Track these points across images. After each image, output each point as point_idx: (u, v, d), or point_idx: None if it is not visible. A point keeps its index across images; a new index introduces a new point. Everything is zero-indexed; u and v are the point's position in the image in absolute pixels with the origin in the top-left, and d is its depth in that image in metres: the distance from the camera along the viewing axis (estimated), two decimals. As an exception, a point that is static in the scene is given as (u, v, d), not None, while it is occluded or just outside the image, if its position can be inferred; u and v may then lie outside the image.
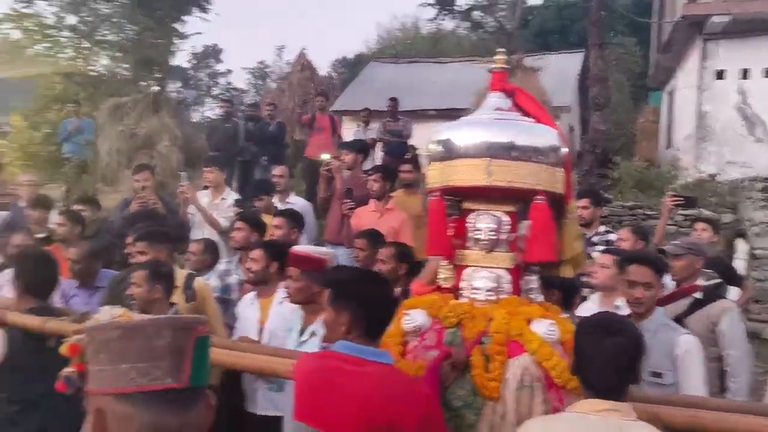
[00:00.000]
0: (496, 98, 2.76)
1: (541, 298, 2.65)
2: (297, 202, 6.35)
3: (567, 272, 2.88)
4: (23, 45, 14.66)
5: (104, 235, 5.72)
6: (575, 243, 2.82)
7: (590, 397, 2.00)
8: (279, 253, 3.74)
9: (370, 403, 2.02)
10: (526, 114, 2.72)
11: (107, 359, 1.14)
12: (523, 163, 2.50)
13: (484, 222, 2.58)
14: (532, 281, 2.63)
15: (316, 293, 3.13)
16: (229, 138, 9.24)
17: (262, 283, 3.85)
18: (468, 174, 2.55)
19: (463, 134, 2.62)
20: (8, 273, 3.90)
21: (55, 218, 6.17)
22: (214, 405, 1.24)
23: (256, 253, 3.86)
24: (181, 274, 3.96)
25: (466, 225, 2.63)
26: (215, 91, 25.64)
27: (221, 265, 4.90)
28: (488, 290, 2.52)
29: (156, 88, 11.27)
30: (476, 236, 2.57)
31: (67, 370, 1.92)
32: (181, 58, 13.73)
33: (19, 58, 14.43)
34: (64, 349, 1.97)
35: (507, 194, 2.58)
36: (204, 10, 11.25)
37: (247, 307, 3.90)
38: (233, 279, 4.73)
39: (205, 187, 6.36)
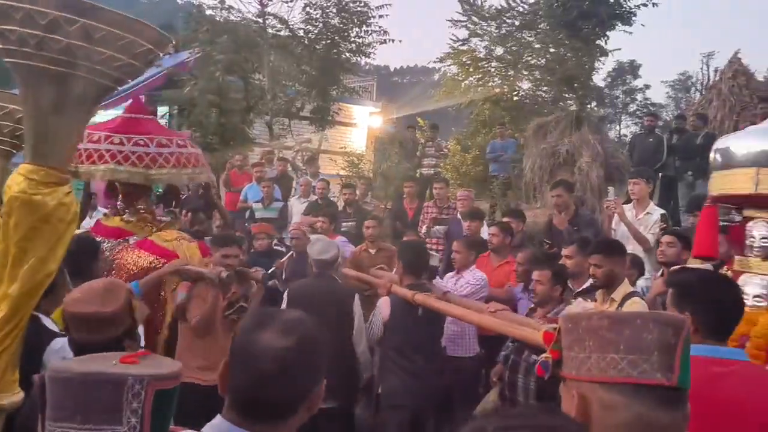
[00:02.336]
0: None
1: None
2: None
3: None
4: (459, 78, 16.66)
5: (529, 246, 6.03)
6: None
7: None
8: None
9: (744, 403, 1.89)
10: None
11: (595, 347, 1.16)
12: None
13: (758, 230, 2.70)
14: None
15: None
16: (651, 152, 8.85)
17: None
18: (737, 183, 2.66)
19: (740, 143, 2.72)
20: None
21: (485, 229, 6.81)
22: (689, 415, 1.17)
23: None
24: (622, 290, 3.87)
25: (745, 232, 2.69)
26: (632, 107, 24.94)
27: (641, 281, 4.73)
28: (755, 296, 2.61)
29: (575, 108, 11.52)
30: (751, 243, 2.70)
31: (544, 356, 2.03)
32: (598, 77, 13.87)
33: (457, 90, 16.43)
34: (539, 337, 2.10)
35: None
36: (628, 22, 11.02)
37: None
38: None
39: (627, 202, 6.21)
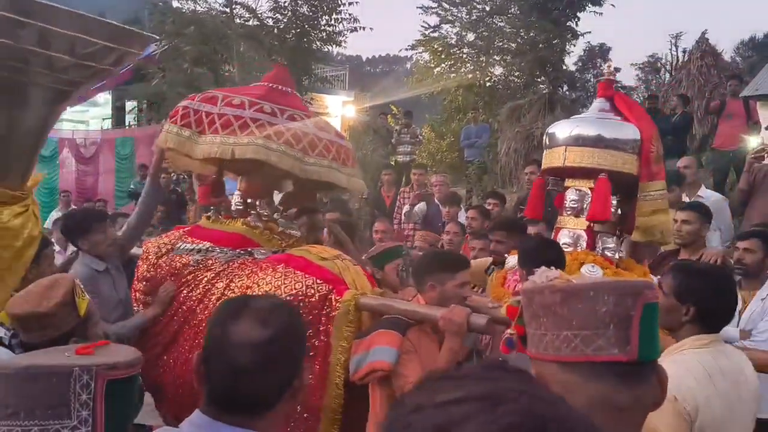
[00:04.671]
0: (599, 102, 3.55)
1: (617, 254, 3.35)
2: (710, 196, 5.70)
3: (638, 236, 3.42)
4: (431, 65, 16.60)
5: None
6: (654, 216, 3.31)
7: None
8: None
9: None
10: (620, 114, 3.41)
11: (550, 324, 1.08)
12: (590, 149, 3.27)
13: (569, 194, 3.43)
14: (609, 241, 3.36)
15: None
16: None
17: (752, 276, 3.60)
18: (554, 159, 3.41)
19: (560, 128, 3.46)
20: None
21: (462, 213, 6.78)
22: (666, 380, 1.10)
23: (752, 243, 3.62)
24: None
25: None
26: (603, 90, 25.04)
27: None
28: (563, 243, 3.31)
29: (546, 91, 11.53)
30: (566, 205, 3.43)
31: (509, 332, 1.98)
32: (569, 60, 14.00)
33: (429, 77, 16.36)
34: (503, 311, 2.06)
35: (586, 173, 3.34)
36: (598, 3, 11.04)
37: None
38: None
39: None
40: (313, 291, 2.85)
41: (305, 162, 3.11)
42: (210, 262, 3.20)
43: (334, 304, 2.82)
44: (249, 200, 3.58)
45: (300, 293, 2.84)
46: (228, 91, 3.39)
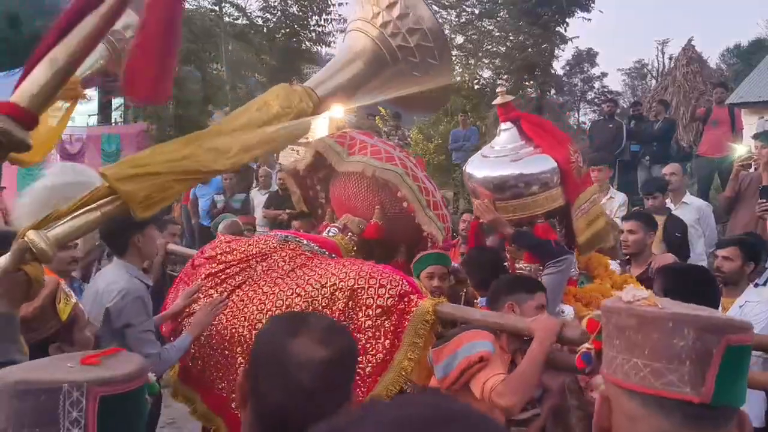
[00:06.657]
0: (505, 132, 3.43)
1: (575, 270, 3.42)
2: (694, 202, 5.76)
3: (585, 251, 3.46)
4: (420, 67, 16.60)
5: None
6: (591, 227, 3.32)
7: None
8: (755, 252, 3.59)
9: None
10: (531, 141, 3.33)
11: (622, 347, 1.02)
12: (520, 201, 3.27)
13: None
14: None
15: None
16: (611, 138, 8.95)
17: (731, 284, 3.59)
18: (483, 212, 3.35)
19: (479, 174, 3.36)
20: None
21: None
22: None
23: (731, 251, 3.61)
24: None
25: None
26: (589, 95, 25.25)
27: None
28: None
29: (534, 95, 11.58)
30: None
31: (586, 346, 1.91)
32: (557, 64, 14.12)
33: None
34: (584, 323, 1.96)
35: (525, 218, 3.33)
36: (587, 9, 11.12)
37: None
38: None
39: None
40: (396, 283, 2.81)
41: (426, 211, 3.42)
42: (293, 245, 3.22)
43: (412, 302, 2.77)
44: (346, 225, 3.66)
45: (383, 279, 2.80)
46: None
